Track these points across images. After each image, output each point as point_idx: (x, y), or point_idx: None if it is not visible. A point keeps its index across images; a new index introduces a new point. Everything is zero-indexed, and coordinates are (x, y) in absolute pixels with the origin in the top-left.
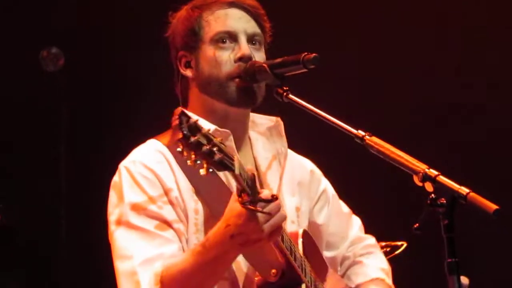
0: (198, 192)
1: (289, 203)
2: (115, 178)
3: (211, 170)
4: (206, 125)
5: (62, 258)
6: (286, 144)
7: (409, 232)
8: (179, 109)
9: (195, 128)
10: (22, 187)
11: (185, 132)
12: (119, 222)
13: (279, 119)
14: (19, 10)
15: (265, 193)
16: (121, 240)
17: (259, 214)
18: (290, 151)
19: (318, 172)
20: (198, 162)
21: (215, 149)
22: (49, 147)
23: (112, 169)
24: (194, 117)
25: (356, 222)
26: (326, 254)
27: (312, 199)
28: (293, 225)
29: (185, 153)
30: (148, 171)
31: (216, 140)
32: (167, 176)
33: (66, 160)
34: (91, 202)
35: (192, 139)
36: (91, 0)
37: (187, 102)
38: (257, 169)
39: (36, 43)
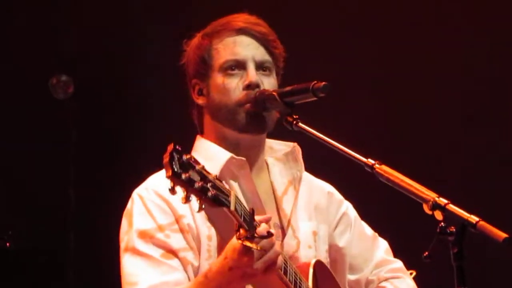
0: (210, 219)
1: (305, 228)
2: (128, 205)
3: (204, 206)
4: (222, 153)
5: (70, 281)
6: (301, 169)
7: (419, 260)
8: (171, 145)
9: (188, 165)
10: (32, 214)
11: (175, 169)
12: (126, 249)
13: (296, 144)
14: (28, 38)
15: (260, 229)
16: (128, 266)
17: (254, 250)
18: (308, 175)
19: (337, 194)
20: (191, 198)
21: (209, 185)
22: (59, 174)
23: (120, 195)
24: (214, 147)
25: (383, 245)
26: (350, 277)
27: (331, 222)
28: (310, 250)
29: (175, 190)
30: (160, 198)
31: (211, 176)
32: (180, 203)
33: (76, 187)
34: (100, 227)
35: (183, 176)
36: (100, 27)
37: (202, 129)
38: (273, 194)
39: (45, 70)
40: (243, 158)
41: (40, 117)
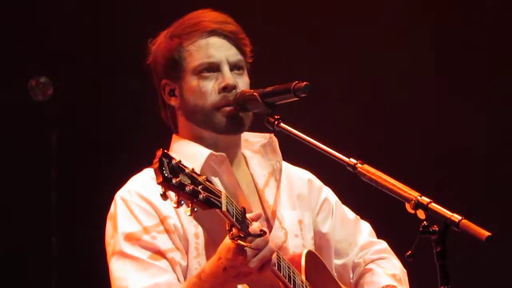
0: (196, 218)
1: (290, 218)
2: (111, 208)
3: (196, 209)
4: (202, 151)
5: (54, 285)
6: (280, 159)
7: (402, 259)
8: (160, 150)
9: (178, 169)
10: (12, 217)
11: (166, 174)
12: (113, 253)
13: (272, 135)
14: (7, 40)
15: (253, 228)
16: (116, 270)
17: (247, 249)
18: (287, 165)
19: (317, 181)
20: (182, 202)
21: (199, 187)
22: (39, 176)
23: (102, 198)
24: (191, 145)
25: (366, 227)
26: (336, 262)
27: (314, 209)
28: (297, 239)
29: (167, 195)
30: (143, 200)
31: (201, 178)
32: (164, 203)
33: (56, 190)
34: (82, 230)
35: (174, 180)
36: (80, 29)
37: (177, 129)
38: (255, 187)
39: (24, 72)
40: (223, 154)
41: (19, 119)
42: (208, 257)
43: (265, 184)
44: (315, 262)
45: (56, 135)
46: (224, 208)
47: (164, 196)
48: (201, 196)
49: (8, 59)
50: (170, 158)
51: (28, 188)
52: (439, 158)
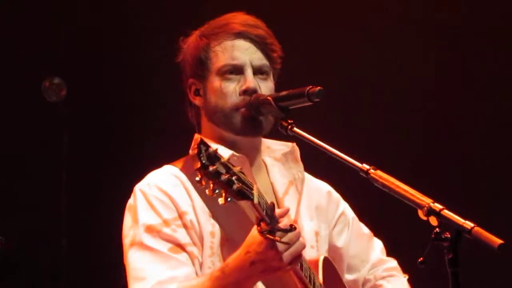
0: (214, 216)
1: (308, 228)
2: (130, 200)
3: (229, 199)
4: (224, 151)
5: (63, 286)
6: (302, 169)
7: (414, 266)
8: (198, 137)
9: (214, 157)
10: (23, 217)
11: (203, 161)
12: (133, 244)
13: (294, 144)
14: (21, 41)
15: (284, 223)
16: (135, 261)
17: (278, 244)
18: (307, 175)
19: (335, 194)
20: (217, 191)
21: (234, 178)
22: (51, 178)
23: (113, 199)
24: (213, 146)
25: (378, 245)
26: (348, 277)
27: (330, 222)
28: (313, 250)
29: (203, 182)
30: (162, 194)
31: (236, 169)
32: (182, 199)
33: (67, 190)
34: (93, 231)
35: (211, 168)
36: (94, 31)
37: (200, 128)
38: (274, 195)
39: (38, 73)
40: (243, 156)
41: (32, 120)
42: (222, 256)
43: (284, 193)
44: (331, 269)
45: (68, 136)
46: (256, 201)
47: (200, 183)
48: (235, 187)
49: (22, 60)
50: (207, 146)
51: (40, 188)
52: (452, 165)
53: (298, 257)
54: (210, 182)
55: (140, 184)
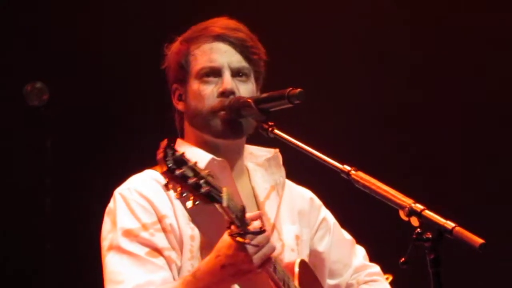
0: (194, 220)
1: (289, 232)
2: (110, 204)
3: (197, 202)
4: (204, 156)
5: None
6: (284, 174)
7: (396, 266)
8: (165, 141)
9: (181, 161)
10: (6, 223)
11: (170, 165)
12: (111, 247)
13: (277, 150)
14: (3, 45)
15: (254, 225)
16: (112, 264)
17: (248, 246)
18: (289, 182)
19: (317, 200)
20: (184, 194)
21: (201, 181)
22: (34, 182)
23: (97, 203)
24: (194, 150)
25: (360, 251)
26: (330, 282)
27: (312, 227)
28: (293, 253)
29: (170, 186)
30: (142, 198)
31: (204, 172)
32: (162, 203)
33: (51, 195)
34: (77, 236)
35: (177, 172)
36: (76, 35)
37: (183, 134)
38: (255, 199)
39: (20, 77)
40: (224, 160)
41: (15, 125)
42: (202, 260)
43: (266, 197)
44: (308, 272)
45: (51, 141)
46: (225, 204)
47: (167, 186)
48: (203, 190)
49: (3, 64)
50: (174, 150)
51: (23, 193)
52: (433, 166)
53: (268, 259)
54: (178, 185)
55: (120, 188)
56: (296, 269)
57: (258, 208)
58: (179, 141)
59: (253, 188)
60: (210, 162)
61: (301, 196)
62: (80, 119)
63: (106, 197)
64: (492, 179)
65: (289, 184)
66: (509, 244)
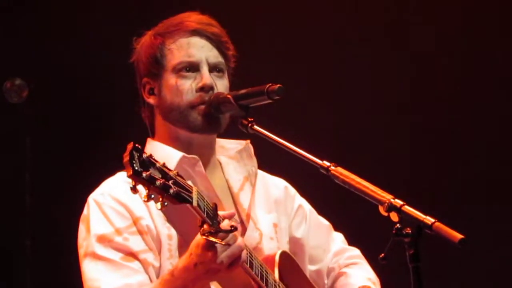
0: (169, 219)
1: (265, 220)
2: (84, 211)
3: (166, 204)
4: (174, 153)
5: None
6: (256, 164)
7: (375, 262)
8: (131, 144)
9: (149, 163)
10: None
11: (136, 168)
12: (86, 254)
13: (248, 141)
14: None
15: (224, 224)
16: (89, 271)
17: (218, 245)
18: (263, 173)
19: (291, 189)
20: (153, 196)
21: (170, 182)
22: (13, 180)
23: (76, 201)
24: (165, 147)
25: (339, 236)
26: (311, 267)
27: (289, 214)
28: (272, 241)
29: (137, 190)
30: (116, 202)
31: (172, 173)
32: (137, 204)
33: (31, 191)
34: (57, 235)
35: (144, 174)
36: (55, 31)
37: (153, 129)
38: (230, 191)
39: None
40: (195, 156)
41: None
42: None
43: (240, 189)
44: (290, 263)
45: (30, 138)
46: (195, 203)
47: (134, 190)
48: (171, 191)
49: None
50: (141, 152)
51: (3, 190)
52: (413, 162)
53: (236, 259)
54: (145, 188)
55: (93, 194)
56: (276, 262)
57: (233, 200)
58: (149, 140)
59: (227, 181)
60: (182, 160)
61: (275, 186)
62: (60, 116)
63: (86, 193)
64: (467, 178)
65: (263, 174)
66: (489, 240)
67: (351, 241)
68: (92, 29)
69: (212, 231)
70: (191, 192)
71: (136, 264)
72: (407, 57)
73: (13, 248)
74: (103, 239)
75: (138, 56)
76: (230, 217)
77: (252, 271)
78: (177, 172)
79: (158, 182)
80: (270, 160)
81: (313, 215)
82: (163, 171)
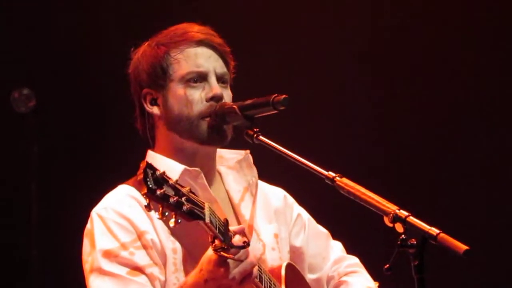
0: (173, 233)
1: (266, 231)
2: (88, 225)
3: (180, 221)
4: (176, 166)
5: None
6: (256, 174)
7: (380, 272)
8: (144, 162)
9: (162, 180)
10: None
11: (150, 185)
12: (92, 270)
13: (248, 151)
14: None
15: (236, 240)
16: (95, 287)
17: (230, 261)
18: (261, 182)
19: (290, 198)
20: (167, 214)
21: (183, 199)
22: (20, 189)
23: (83, 210)
24: (166, 160)
25: (337, 244)
26: (310, 276)
27: (289, 224)
28: (274, 252)
29: (151, 207)
30: (120, 217)
31: (185, 190)
32: (141, 219)
33: (38, 201)
34: (64, 244)
35: (158, 192)
36: (63, 41)
37: (154, 140)
38: (230, 202)
39: (7, 83)
40: (197, 169)
41: (1, 131)
42: (186, 272)
43: (240, 199)
44: (294, 274)
45: (37, 147)
46: (207, 220)
47: (148, 208)
48: (185, 208)
49: None
50: (154, 169)
51: (10, 199)
52: (422, 173)
53: (248, 275)
54: (159, 205)
55: (96, 208)
56: (283, 274)
57: (234, 211)
58: (150, 153)
59: (227, 192)
60: (184, 173)
61: (275, 195)
62: (67, 125)
63: (93, 203)
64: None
65: (262, 184)
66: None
67: (349, 250)
68: (101, 38)
69: (224, 246)
70: (203, 209)
71: (142, 278)
72: (409, 67)
73: (20, 258)
74: (108, 254)
75: (138, 66)
76: (240, 232)
77: (262, 286)
78: (190, 189)
79: (172, 200)
80: (268, 169)
81: (311, 224)
82: (176, 188)
